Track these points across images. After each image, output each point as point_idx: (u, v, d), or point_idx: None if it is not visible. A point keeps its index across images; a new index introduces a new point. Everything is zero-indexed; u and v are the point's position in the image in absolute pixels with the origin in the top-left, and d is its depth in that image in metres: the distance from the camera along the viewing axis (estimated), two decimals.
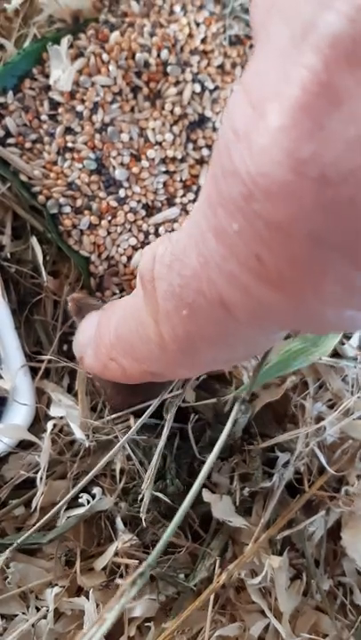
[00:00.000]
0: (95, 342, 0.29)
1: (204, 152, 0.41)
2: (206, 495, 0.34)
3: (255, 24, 0.19)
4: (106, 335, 0.28)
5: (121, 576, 0.34)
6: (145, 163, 0.40)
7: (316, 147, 0.15)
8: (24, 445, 0.36)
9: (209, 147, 0.41)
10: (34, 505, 0.34)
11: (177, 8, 0.43)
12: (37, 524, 0.33)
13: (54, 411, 0.36)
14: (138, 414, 0.35)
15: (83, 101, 0.39)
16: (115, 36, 0.40)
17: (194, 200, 0.41)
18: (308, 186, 0.16)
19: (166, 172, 0.40)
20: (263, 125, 0.16)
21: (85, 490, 0.35)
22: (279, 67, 0.16)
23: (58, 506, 0.34)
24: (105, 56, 0.40)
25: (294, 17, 0.16)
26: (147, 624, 0.34)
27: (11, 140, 0.39)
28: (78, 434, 0.35)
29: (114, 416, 0.35)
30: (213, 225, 0.18)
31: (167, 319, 0.22)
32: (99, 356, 0.29)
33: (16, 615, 0.33)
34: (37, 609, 0.34)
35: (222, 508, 0.35)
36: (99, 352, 0.28)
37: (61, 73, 0.39)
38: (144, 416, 0.33)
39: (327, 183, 0.15)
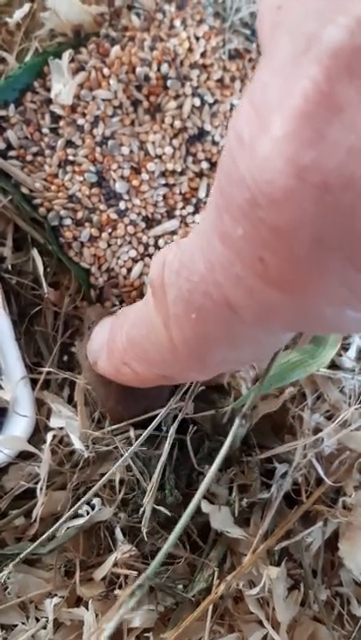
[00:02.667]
0: (108, 347, 0.30)
1: (204, 165, 0.41)
2: (205, 506, 0.34)
3: (262, 36, 0.19)
4: (118, 340, 0.28)
5: (120, 586, 0.34)
6: (145, 176, 0.40)
7: (318, 154, 0.16)
8: (24, 456, 0.36)
9: (208, 160, 0.42)
10: (34, 515, 0.35)
11: (177, 22, 0.43)
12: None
13: (54, 421, 0.37)
14: (137, 426, 0.36)
15: (84, 115, 0.40)
16: (115, 50, 0.41)
17: (193, 212, 0.41)
18: (310, 192, 0.16)
19: (166, 185, 0.41)
20: (267, 134, 0.17)
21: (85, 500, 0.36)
22: (283, 77, 0.16)
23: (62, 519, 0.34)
24: (106, 70, 0.40)
25: (298, 30, 0.16)
26: (145, 634, 0.34)
27: (12, 153, 0.40)
28: (78, 444, 0.35)
29: (114, 427, 0.35)
30: (219, 230, 0.19)
31: (177, 323, 0.23)
32: (112, 360, 0.29)
33: (16, 625, 0.34)
34: (37, 619, 0.34)
35: (221, 519, 0.35)
36: (112, 356, 0.29)
37: (62, 87, 0.40)
38: (150, 427, 0.33)
39: (328, 189, 0.16)
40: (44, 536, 0.32)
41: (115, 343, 0.29)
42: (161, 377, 0.27)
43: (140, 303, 0.28)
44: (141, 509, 0.33)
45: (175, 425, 0.34)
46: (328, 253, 0.17)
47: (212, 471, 0.23)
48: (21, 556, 0.32)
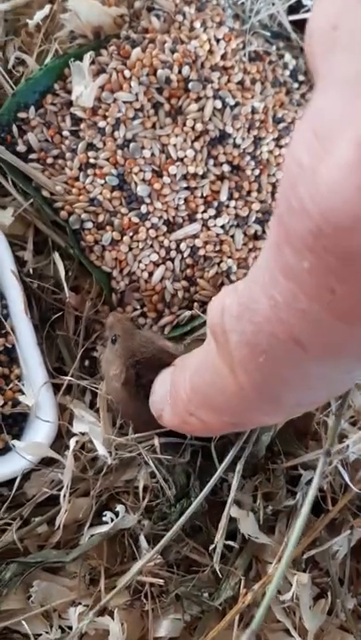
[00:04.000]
0: (171, 398, 0.29)
1: (225, 168, 0.41)
2: (234, 511, 0.34)
3: (312, 52, 0.19)
4: (182, 390, 0.28)
5: (145, 595, 0.33)
6: (166, 179, 0.40)
7: None
8: (46, 462, 0.36)
9: (229, 163, 0.41)
10: (57, 523, 0.34)
11: (197, 24, 0.43)
12: None
13: (77, 426, 0.36)
14: (160, 433, 0.35)
15: (105, 117, 0.39)
16: (136, 52, 0.40)
17: (215, 216, 0.41)
18: None
19: (187, 188, 0.40)
20: (331, 160, 0.16)
21: (108, 507, 0.35)
22: (346, 102, 0.16)
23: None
24: (127, 72, 0.40)
25: (359, 51, 0.16)
26: None
27: (33, 156, 0.39)
28: (101, 450, 0.35)
29: (138, 435, 0.34)
30: (281, 265, 0.19)
31: (244, 368, 0.22)
32: (176, 411, 0.28)
33: (40, 635, 0.33)
34: (61, 628, 0.34)
35: (250, 525, 0.34)
36: (176, 408, 0.28)
37: (83, 89, 0.39)
38: None
39: None
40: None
41: (178, 394, 0.28)
42: (229, 424, 0.26)
43: (200, 350, 0.27)
44: (168, 518, 0.33)
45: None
46: None
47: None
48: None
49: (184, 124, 0.40)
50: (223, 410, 0.25)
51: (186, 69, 0.40)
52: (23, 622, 0.32)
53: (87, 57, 0.40)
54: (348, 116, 0.16)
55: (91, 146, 0.39)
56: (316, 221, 0.17)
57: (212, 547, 0.33)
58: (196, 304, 0.40)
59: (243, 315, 0.21)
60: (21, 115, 0.39)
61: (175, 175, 0.40)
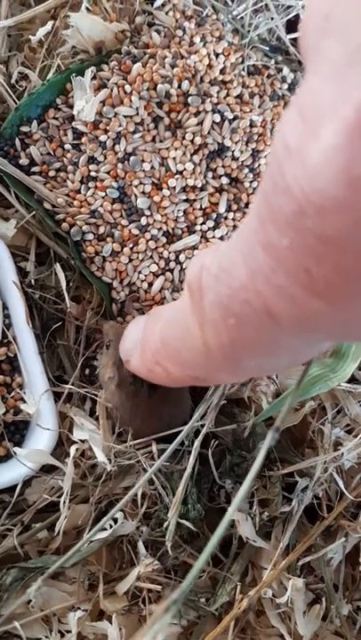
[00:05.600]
0: (141, 346, 0.30)
1: (224, 180, 0.42)
2: (234, 514, 0.34)
3: (305, 44, 0.19)
4: (151, 339, 0.28)
5: (143, 601, 0.34)
6: (166, 191, 0.40)
7: None
8: (46, 469, 0.37)
9: (228, 175, 0.42)
10: (57, 529, 0.35)
11: (197, 39, 0.44)
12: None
13: (77, 434, 0.37)
14: (158, 439, 0.36)
15: (106, 131, 0.40)
16: (137, 67, 0.41)
17: (213, 227, 0.41)
18: None
19: (186, 201, 0.41)
20: (317, 142, 0.16)
21: (107, 514, 0.36)
22: (334, 86, 0.16)
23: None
24: (127, 87, 0.41)
25: (350, 38, 0.16)
26: None
27: (35, 169, 0.40)
28: (101, 458, 0.36)
29: (137, 441, 0.35)
30: (262, 240, 0.19)
31: (213, 327, 0.22)
32: (144, 359, 0.29)
33: (39, 639, 0.34)
34: (60, 633, 0.34)
35: (248, 528, 0.35)
36: (144, 356, 0.29)
37: (85, 103, 0.40)
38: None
39: None
40: (71, 551, 0.32)
41: (147, 343, 0.29)
42: (193, 378, 0.27)
43: (174, 303, 0.27)
44: (165, 523, 0.33)
45: (200, 439, 0.34)
46: None
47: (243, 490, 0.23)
48: (49, 570, 0.31)
49: (183, 138, 0.41)
50: (188, 364, 0.26)
51: (185, 84, 0.41)
52: (18, 626, 0.32)
53: (89, 72, 0.40)
54: (334, 99, 0.16)
55: (92, 159, 0.40)
56: (300, 202, 0.17)
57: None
58: None
59: (221, 277, 0.21)
60: (24, 128, 0.40)
61: (175, 188, 0.41)
